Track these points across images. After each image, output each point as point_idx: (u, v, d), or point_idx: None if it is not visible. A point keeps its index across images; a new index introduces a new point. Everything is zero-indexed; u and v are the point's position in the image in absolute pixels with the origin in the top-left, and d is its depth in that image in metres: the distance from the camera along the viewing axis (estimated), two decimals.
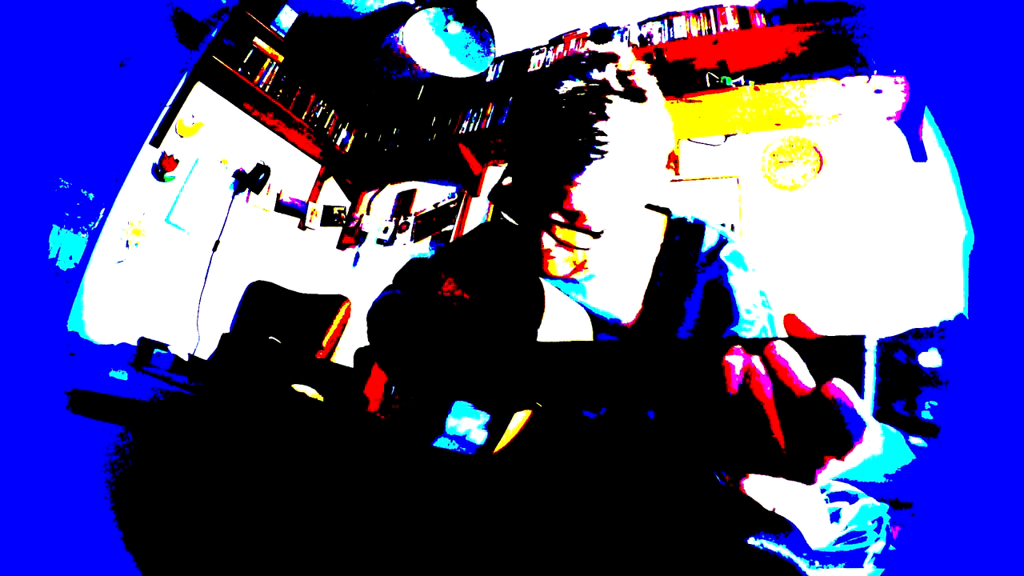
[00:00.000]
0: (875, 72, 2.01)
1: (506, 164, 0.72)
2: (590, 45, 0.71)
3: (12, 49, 1.70)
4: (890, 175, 2.06)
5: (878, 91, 2.04)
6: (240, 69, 2.96)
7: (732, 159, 2.43)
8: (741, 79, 2.32)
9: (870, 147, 2.15)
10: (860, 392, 0.35)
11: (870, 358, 0.35)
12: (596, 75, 0.64)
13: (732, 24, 2.37)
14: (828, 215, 2.12)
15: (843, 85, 2.08)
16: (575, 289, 0.77)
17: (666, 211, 0.83)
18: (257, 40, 3.03)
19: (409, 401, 0.75)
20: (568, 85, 0.64)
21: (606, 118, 0.62)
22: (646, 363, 0.46)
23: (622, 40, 2.66)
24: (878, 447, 0.34)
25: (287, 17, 3.12)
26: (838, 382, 0.35)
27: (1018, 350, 0.31)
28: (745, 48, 2.30)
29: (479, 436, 0.65)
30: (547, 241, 0.68)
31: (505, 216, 0.71)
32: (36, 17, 1.78)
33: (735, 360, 0.40)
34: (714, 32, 2.38)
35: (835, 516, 1.20)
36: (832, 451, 0.35)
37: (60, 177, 2.22)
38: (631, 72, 0.65)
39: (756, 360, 0.39)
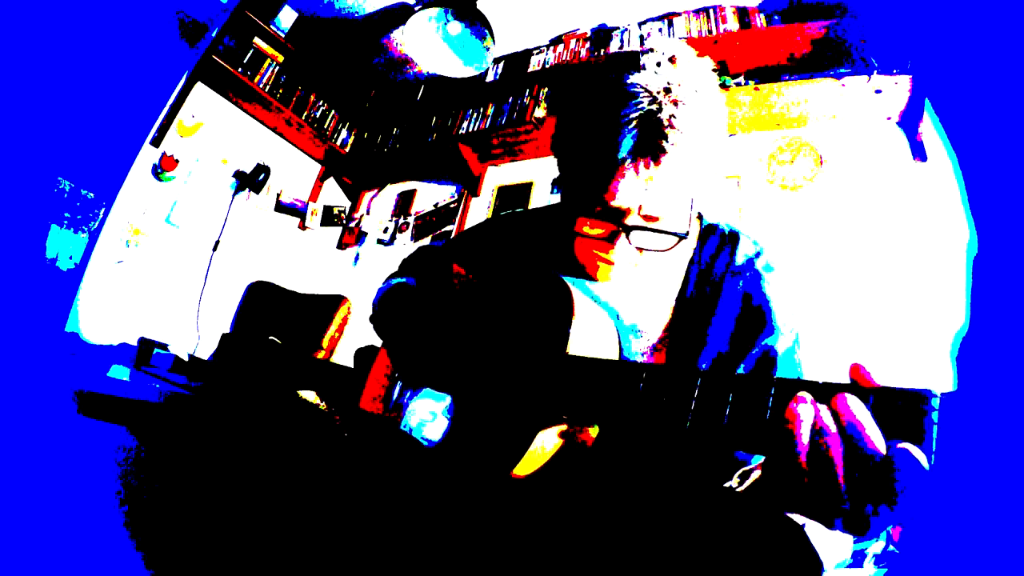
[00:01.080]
0: (876, 72, 2.01)
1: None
2: (650, 40, 0.68)
3: (12, 49, 1.70)
4: (890, 175, 2.06)
5: (878, 91, 2.04)
6: (240, 69, 2.96)
7: (732, 159, 2.43)
8: (741, 79, 2.32)
9: (870, 147, 2.15)
10: (927, 451, 0.34)
11: (935, 416, 0.34)
12: (662, 70, 0.62)
13: (732, 24, 2.37)
14: (828, 215, 2.12)
15: (843, 85, 2.08)
16: (600, 294, 0.74)
17: (698, 216, 0.80)
18: (257, 40, 3.03)
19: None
20: (636, 78, 0.62)
21: (676, 112, 0.60)
22: (691, 394, 0.44)
23: (622, 40, 2.65)
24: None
25: (287, 17, 3.12)
26: (910, 447, 0.34)
27: (1020, 352, 0.31)
28: (745, 48, 2.30)
29: (436, 430, 0.64)
30: (621, 246, 0.65)
31: (571, 224, 0.67)
32: (36, 17, 1.78)
33: (804, 412, 0.38)
34: (714, 32, 2.38)
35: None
36: (898, 518, 0.35)
37: (60, 177, 2.22)
38: (694, 67, 0.64)
39: (825, 414, 0.38)
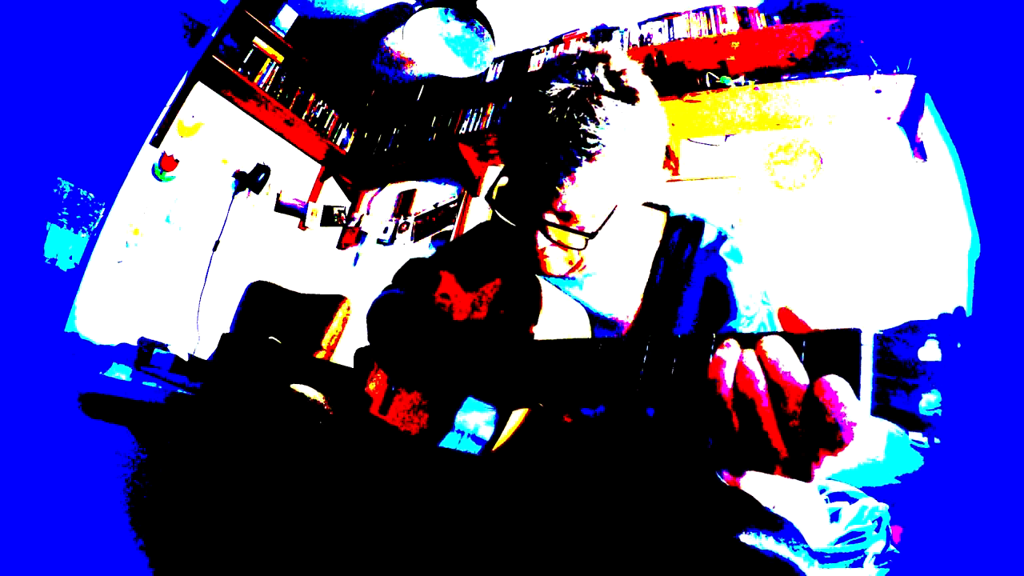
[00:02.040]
0: (876, 71, 2.01)
1: (501, 165, 0.73)
2: (581, 45, 0.70)
3: (13, 49, 1.70)
4: (890, 175, 2.06)
5: (878, 91, 2.04)
6: (240, 69, 2.96)
7: (732, 159, 2.43)
8: (741, 79, 2.32)
9: (870, 147, 2.15)
10: (857, 388, 0.34)
11: (867, 353, 0.34)
12: (587, 75, 0.64)
13: (732, 24, 2.37)
14: (828, 215, 2.12)
15: (843, 86, 2.08)
16: (574, 287, 0.77)
17: (665, 208, 0.83)
18: (257, 40, 3.03)
19: (416, 403, 0.75)
20: (558, 87, 0.64)
21: (595, 119, 0.62)
22: (643, 359, 0.45)
23: (622, 41, 2.66)
24: (878, 447, 0.34)
25: (287, 17, 3.12)
26: (832, 379, 0.34)
27: (1020, 347, 0.31)
28: (745, 48, 2.30)
29: (487, 432, 0.65)
30: (542, 241, 0.68)
31: (501, 216, 0.71)
32: (36, 17, 1.78)
33: (727, 355, 0.39)
34: (714, 32, 2.38)
35: (835, 516, 1.20)
36: (827, 448, 0.35)
37: (60, 177, 2.22)
38: (623, 72, 0.65)
39: (748, 355, 0.39)
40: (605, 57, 0.66)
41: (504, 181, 0.71)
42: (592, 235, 0.66)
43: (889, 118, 2.12)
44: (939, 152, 1.94)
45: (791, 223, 2.18)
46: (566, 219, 0.66)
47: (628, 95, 0.65)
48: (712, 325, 0.71)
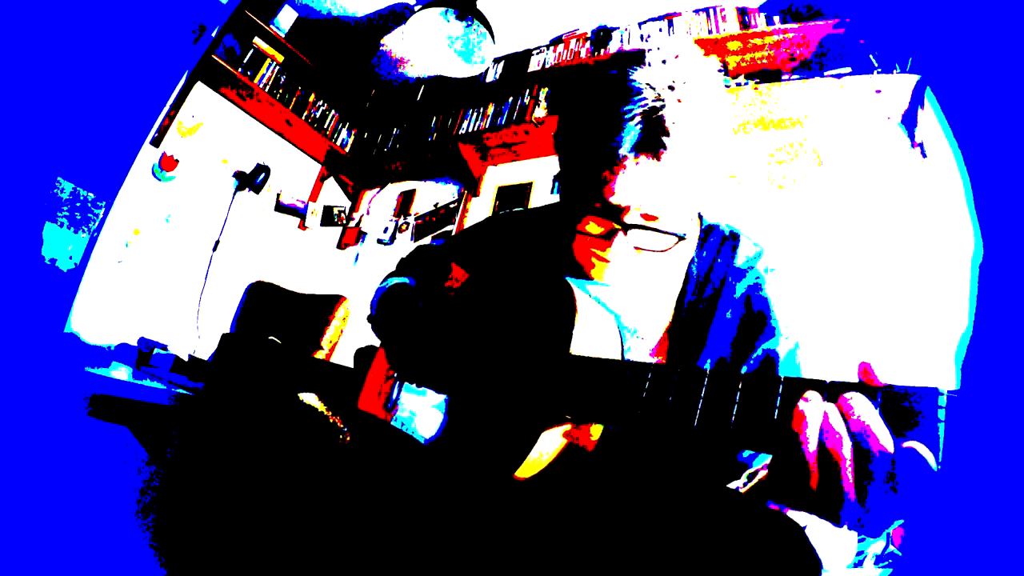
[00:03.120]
0: (877, 71, 2.01)
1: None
2: (657, 39, 0.67)
3: (12, 49, 1.70)
4: (890, 175, 2.06)
5: (878, 91, 2.04)
6: (240, 69, 2.96)
7: (732, 159, 2.43)
8: (741, 79, 2.32)
9: (870, 147, 2.15)
10: (934, 450, 0.34)
11: (942, 415, 0.34)
12: (660, 71, 0.62)
13: (732, 24, 2.37)
14: (828, 215, 2.12)
15: (843, 87, 2.07)
16: (598, 291, 0.74)
17: (698, 216, 0.79)
18: (257, 40, 3.03)
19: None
20: (638, 75, 0.61)
21: (668, 134, 0.59)
22: (698, 394, 0.43)
23: (622, 40, 2.65)
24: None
25: (287, 17, 3.12)
26: (920, 449, 0.34)
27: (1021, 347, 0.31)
28: (745, 48, 2.30)
29: (429, 424, 0.63)
30: (619, 243, 0.64)
31: (563, 212, 0.67)
32: (36, 17, 1.78)
33: (810, 411, 0.38)
34: (714, 32, 2.38)
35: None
36: (906, 513, 0.35)
37: (60, 177, 2.22)
38: (700, 72, 0.63)
39: (833, 413, 0.37)
40: (683, 49, 0.64)
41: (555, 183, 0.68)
42: (683, 236, 0.63)
43: (889, 118, 2.12)
44: (940, 152, 1.94)
45: (791, 223, 2.18)
46: (648, 220, 0.62)
47: (706, 88, 0.62)
48: (749, 345, 0.69)
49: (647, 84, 0.60)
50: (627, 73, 0.62)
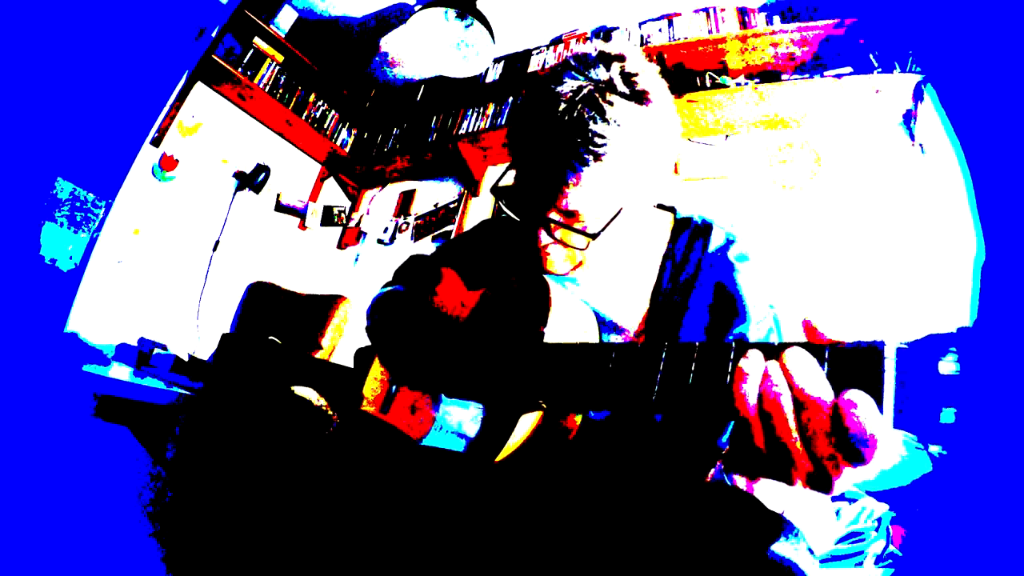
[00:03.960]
0: (877, 71, 2.01)
1: (509, 161, 0.72)
2: (597, 44, 0.69)
3: (13, 49, 1.70)
4: (890, 175, 2.06)
5: (878, 91, 2.04)
6: (240, 69, 2.96)
7: (732, 159, 2.43)
8: (741, 79, 2.32)
9: (870, 147, 2.15)
10: (879, 400, 0.34)
11: (889, 366, 0.34)
12: (601, 74, 0.64)
13: (732, 24, 2.37)
14: (828, 215, 2.12)
15: (842, 86, 2.08)
16: (576, 286, 0.76)
17: (671, 210, 0.82)
18: (257, 40, 3.03)
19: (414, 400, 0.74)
20: (569, 84, 0.63)
21: (605, 119, 0.61)
22: (659, 366, 0.45)
23: (629, 39, 2.66)
24: (896, 458, 0.34)
25: (287, 17, 3.12)
26: (856, 395, 0.34)
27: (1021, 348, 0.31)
28: (745, 48, 2.30)
29: (471, 429, 0.65)
30: (544, 239, 0.68)
31: (507, 212, 0.71)
32: (36, 17, 1.78)
33: (750, 367, 0.39)
34: (714, 32, 2.38)
35: (835, 516, 1.19)
36: (849, 461, 0.35)
37: (60, 177, 2.22)
38: (636, 73, 0.64)
39: (773, 368, 0.38)
40: (621, 57, 0.65)
41: (511, 176, 0.71)
42: (594, 236, 0.65)
43: (890, 118, 2.12)
44: (941, 152, 1.94)
45: (790, 223, 2.18)
46: (570, 217, 0.65)
47: (640, 97, 0.64)
48: (722, 330, 0.70)
49: (579, 88, 0.63)
50: (562, 77, 0.64)
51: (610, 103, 0.62)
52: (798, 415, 0.37)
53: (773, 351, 0.39)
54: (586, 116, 0.61)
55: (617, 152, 0.62)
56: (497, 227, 0.94)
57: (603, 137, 0.61)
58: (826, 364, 0.37)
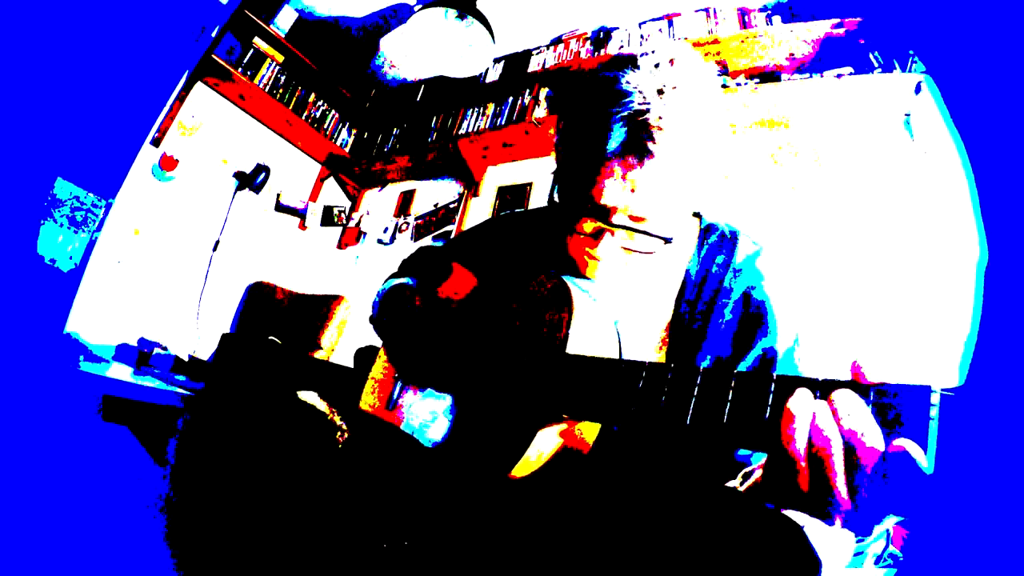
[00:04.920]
0: (878, 70, 2.01)
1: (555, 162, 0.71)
2: (655, 41, 0.68)
3: (13, 49, 1.70)
4: (891, 175, 2.06)
5: (879, 91, 2.04)
6: (240, 69, 2.96)
7: (732, 160, 2.43)
8: (741, 79, 2.32)
9: (870, 147, 2.15)
10: (925, 449, 0.33)
11: (935, 413, 0.33)
12: (653, 75, 0.62)
13: (732, 24, 2.37)
14: (828, 215, 2.11)
15: (842, 86, 2.07)
16: (599, 294, 0.74)
17: (697, 215, 0.80)
18: (257, 40, 3.03)
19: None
20: (629, 78, 0.62)
21: (657, 116, 0.60)
22: (691, 391, 0.43)
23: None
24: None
25: (287, 17, 3.12)
26: (910, 446, 0.33)
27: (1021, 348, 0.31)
28: (745, 48, 2.30)
29: (438, 430, 0.63)
30: (605, 243, 0.65)
31: (558, 214, 0.68)
32: (36, 17, 1.78)
33: (799, 408, 0.38)
34: (714, 32, 2.38)
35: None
36: (896, 510, 0.35)
37: (60, 177, 2.22)
38: (694, 77, 0.63)
39: (822, 411, 0.37)
40: (679, 53, 0.64)
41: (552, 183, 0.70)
42: (668, 240, 0.64)
43: (890, 118, 2.12)
44: (942, 151, 1.94)
45: (790, 223, 2.17)
46: (636, 222, 0.63)
47: (699, 93, 0.63)
48: (747, 343, 0.69)
49: (636, 88, 0.61)
50: (618, 77, 0.63)
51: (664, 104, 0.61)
52: (847, 460, 0.36)
53: (816, 388, 0.38)
54: (646, 109, 0.60)
55: (674, 154, 0.61)
56: (511, 226, 0.92)
57: (659, 129, 0.60)
58: (872, 405, 0.36)
